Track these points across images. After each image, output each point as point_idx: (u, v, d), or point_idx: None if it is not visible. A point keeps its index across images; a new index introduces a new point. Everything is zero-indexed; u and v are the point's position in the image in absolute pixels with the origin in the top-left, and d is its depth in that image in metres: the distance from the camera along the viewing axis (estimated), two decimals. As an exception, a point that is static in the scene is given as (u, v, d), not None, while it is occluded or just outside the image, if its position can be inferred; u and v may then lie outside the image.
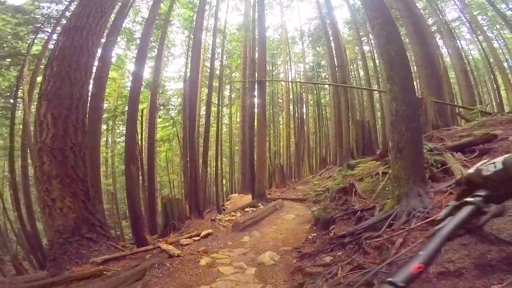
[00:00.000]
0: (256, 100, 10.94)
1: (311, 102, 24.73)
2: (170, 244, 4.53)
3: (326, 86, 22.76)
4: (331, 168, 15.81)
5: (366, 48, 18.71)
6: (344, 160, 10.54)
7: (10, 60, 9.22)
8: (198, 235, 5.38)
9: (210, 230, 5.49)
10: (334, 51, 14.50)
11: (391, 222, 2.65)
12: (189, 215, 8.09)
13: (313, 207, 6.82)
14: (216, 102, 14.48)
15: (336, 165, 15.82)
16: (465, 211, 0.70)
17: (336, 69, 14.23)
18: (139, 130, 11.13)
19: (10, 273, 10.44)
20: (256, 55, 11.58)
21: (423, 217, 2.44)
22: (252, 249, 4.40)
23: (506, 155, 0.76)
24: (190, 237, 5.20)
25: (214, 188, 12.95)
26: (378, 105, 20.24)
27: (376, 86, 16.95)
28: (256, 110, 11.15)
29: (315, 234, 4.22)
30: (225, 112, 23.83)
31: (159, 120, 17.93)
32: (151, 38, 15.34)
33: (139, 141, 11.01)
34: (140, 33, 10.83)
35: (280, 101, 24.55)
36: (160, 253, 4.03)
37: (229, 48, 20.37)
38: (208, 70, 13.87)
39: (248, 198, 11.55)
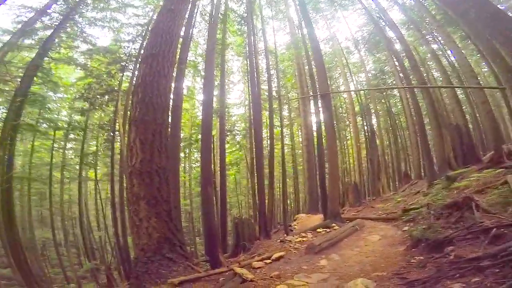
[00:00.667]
0: (322, 115, 10.44)
1: (381, 112, 22.45)
2: (243, 267, 4.31)
3: (396, 92, 20.56)
4: (416, 182, 13.59)
5: (434, 46, 16.43)
6: (439, 172, 8.84)
7: (107, 96, 11.23)
8: (269, 258, 5.02)
9: (282, 253, 5.06)
10: (401, 53, 13.06)
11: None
12: (259, 235, 7.85)
13: (404, 227, 5.72)
14: (278, 123, 14.60)
15: (422, 179, 13.56)
16: None
17: (409, 72, 12.67)
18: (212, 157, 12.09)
19: (102, 281, 12.05)
20: (314, 69, 11.31)
21: None
22: (333, 275, 3.77)
23: None
24: (261, 260, 4.87)
25: (281, 208, 12.54)
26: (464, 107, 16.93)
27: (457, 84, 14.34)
28: (323, 125, 10.62)
29: (422, 258, 3.35)
30: (285, 132, 23.87)
31: (227, 145, 19.60)
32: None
33: (212, 165, 11.86)
34: (203, 64, 11.98)
35: (345, 115, 23.01)
36: (233, 276, 3.83)
37: (281, 68, 20.69)
38: (266, 93, 14.21)
39: (317, 219, 10.67)
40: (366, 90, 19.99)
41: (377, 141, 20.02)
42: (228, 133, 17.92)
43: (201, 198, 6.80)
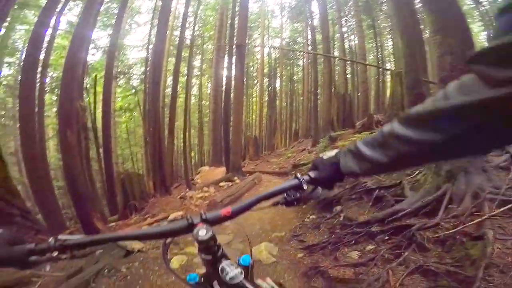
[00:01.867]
0: (234, 70, 9.70)
1: (284, 77, 23.96)
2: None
3: (300, 62, 22.46)
4: (303, 141, 15.43)
5: (344, 29, 18.34)
6: (323, 133, 10.02)
7: None
8: (165, 218, 4.30)
9: (180, 212, 4.41)
10: (316, 28, 13.45)
11: (448, 206, 1.90)
12: (154, 192, 6.84)
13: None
14: (186, 73, 12.98)
15: (308, 138, 15.52)
16: (288, 183, 0.63)
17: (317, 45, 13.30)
18: (91, 99, 9.24)
19: None
20: (236, 20, 10.03)
21: (501, 200, 1.72)
22: (237, 236, 3.48)
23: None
24: (154, 222, 4.10)
25: (183, 161, 11.70)
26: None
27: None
28: (233, 80, 9.92)
29: (314, 217, 3.44)
30: (194, 83, 22.24)
31: (119, 90, 16.33)
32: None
33: (92, 110, 9.20)
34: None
35: (255, 74, 23.54)
36: (113, 248, 2.91)
37: (202, 17, 18.33)
38: (177, 39, 12.00)
39: (220, 171, 10.55)
40: (280, 48, 20.44)
41: (277, 102, 21.90)
42: (122, 76, 14.79)
43: (60, 145, 4.93)
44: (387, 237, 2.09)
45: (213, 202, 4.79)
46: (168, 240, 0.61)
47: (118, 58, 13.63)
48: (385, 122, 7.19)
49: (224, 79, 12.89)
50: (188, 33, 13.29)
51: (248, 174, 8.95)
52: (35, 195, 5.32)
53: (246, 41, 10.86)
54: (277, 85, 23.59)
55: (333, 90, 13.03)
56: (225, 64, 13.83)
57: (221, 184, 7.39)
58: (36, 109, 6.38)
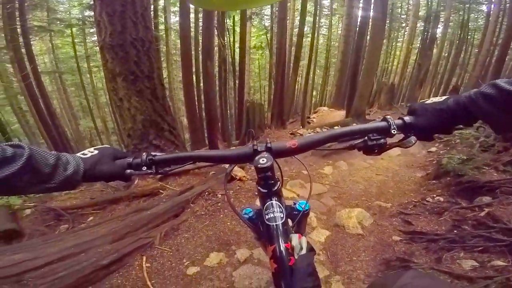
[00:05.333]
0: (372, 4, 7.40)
1: (451, 23, 16.84)
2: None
3: (483, 7, 15.44)
4: None
5: None
6: None
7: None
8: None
9: None
10: None
11: None
12: (271, 123, 7.26)
13: (432, 147, 4.61)
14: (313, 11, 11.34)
15: None
16: (374, 124, 0.51)
17: None
18: (231, 38, 10.40)
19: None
20: None
21: None
22: (332, 190, 3.15)
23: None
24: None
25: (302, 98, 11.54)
26: None
27: None
28: (371, 18, 7.73)
29: (441, 199, 2.51)
30: (323, 22, 19.80)
31: (254, 29, 16.89)
32: None
33: (232, 47, 10.34)
34: None
35: (404, 16, 18.50)
36: (221, 172, 3.41)
37: None
38: None
39: (339, 114, 9.67)
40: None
41: (434, 50, 16.18)
42: (254, 17, 15.01)
43: (202, 73, 5.79)
44: None
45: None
46: (231, 166, 0.58)
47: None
48: None
49: (359, 18, 10.30)
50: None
51: (370, 124, 7.71)
52: (187, 114, 7.05)
53: None
54: (440, 30, 16.93)
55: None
56: (361, 2, 10.83)
57: (336, 127, 6.81)
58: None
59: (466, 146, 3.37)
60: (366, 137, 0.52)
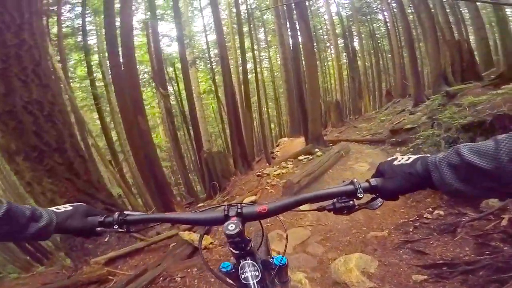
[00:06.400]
0: (298, 27, 8.19)
1: (363, 35, 19.99)
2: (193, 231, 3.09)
3: (380, 16, 18.49)
4: (399, 101, 12.31)
5: None
6: (434, 88, 7.39)
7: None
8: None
9: (253, 197, 3.89)
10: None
11: None
12: (235, 169, 6.72)
13: (395, 153, 4.53)
14: (255, 47, 12.55)
15: (406, 97, 12.27)
16: (341, 187, 0.53)
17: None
18: (176, 87, 10.27)
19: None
20: None
21: None
22: (316, 231, 2.61)
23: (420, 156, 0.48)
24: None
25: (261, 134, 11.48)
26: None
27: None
28: (300, 39, 8.50)
29: (441, 213, 2.14)
30: (264, 56, 21.32)
31: (202, 74, 17.03)
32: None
33: (179, 95, 10.22)
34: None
35: (326, 37, 20.91)
36: (182, 244, 2.66)
37: None
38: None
39: (299, 142, 9.64)
40: None
41: (359, 62, 18.84)
42: (197, 61, 15.49)
43: (125, 131, 5.08)
44: None
45: (289, 184, 4.00)
46: (206, 228, 0.64)
47: (191, 45, 14.00)
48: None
49: (290, 42, 11.43)
50: (243, 8, 12.44)
51: (331, 144, 7.69)
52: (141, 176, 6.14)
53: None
54: (356, 44, 19.86)
55: (440, 37, 9.33)
56: (289, 29, 12.22)
57: (300, 157, 6.54)
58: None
59: (432, 145, 3.25)
60: (335, 199, 0.53)
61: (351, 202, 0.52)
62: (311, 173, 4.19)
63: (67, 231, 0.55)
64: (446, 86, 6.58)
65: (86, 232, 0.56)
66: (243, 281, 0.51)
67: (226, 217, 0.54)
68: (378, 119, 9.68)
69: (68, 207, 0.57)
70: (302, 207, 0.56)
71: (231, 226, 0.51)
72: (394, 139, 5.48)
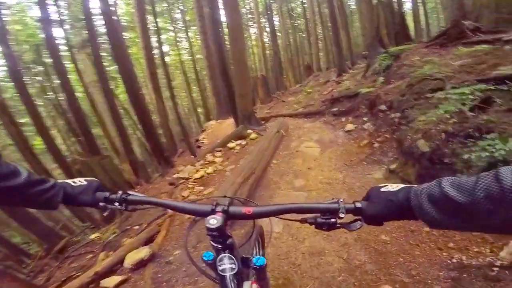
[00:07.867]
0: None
1: (286, 14, 19.81)
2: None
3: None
4: (318, 75, 12.13)
5: None
6: (370, 51, 6.84)
7: None
8: (116, 264, 2.05)
9: (145, 250, 2.10)
10: None
11: None
12: (136, 177, 4.60)
13: (347, 124, 3.49)
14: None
15: (329, 70, 12.16)
16: (325, 204, 0.53)
17: None
18: None
19: None
20: None
21: None
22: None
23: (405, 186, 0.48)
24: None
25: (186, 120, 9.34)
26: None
27: None
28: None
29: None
30: (182, 37, 18.39)
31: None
32: None
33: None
34: None
35: (249, 15, 20.24)
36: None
37: None
38: None
39: (228, 124, 8.03)
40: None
41: (279, 41, 18.83)
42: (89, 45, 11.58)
43: None
44: None
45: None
46: (196, 219, 0.62)
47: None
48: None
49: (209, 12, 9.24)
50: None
51: (264, 122, 6.42)
52: None
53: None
54: (276, 23, 19.67)
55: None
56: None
57: (231, 145, 4.99)
58: None
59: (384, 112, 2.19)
60: (319, 214, 0.53)
61: (332, 219, 0.52)
62: (249, 176, 2.65)
63: (76, 203, 0.60)
64: (381, 48, 6.12)
65: (91, 205, 0.61)
66: (220, 272, 0.54)
67: (212, 211, 0.55)
68: (304, 91, 9.07)
69: (83, 181, 0.62)
70: (285, 216, 0.56)
71: (213, 221, 0.52)
72: (336, 108, 4.52)
